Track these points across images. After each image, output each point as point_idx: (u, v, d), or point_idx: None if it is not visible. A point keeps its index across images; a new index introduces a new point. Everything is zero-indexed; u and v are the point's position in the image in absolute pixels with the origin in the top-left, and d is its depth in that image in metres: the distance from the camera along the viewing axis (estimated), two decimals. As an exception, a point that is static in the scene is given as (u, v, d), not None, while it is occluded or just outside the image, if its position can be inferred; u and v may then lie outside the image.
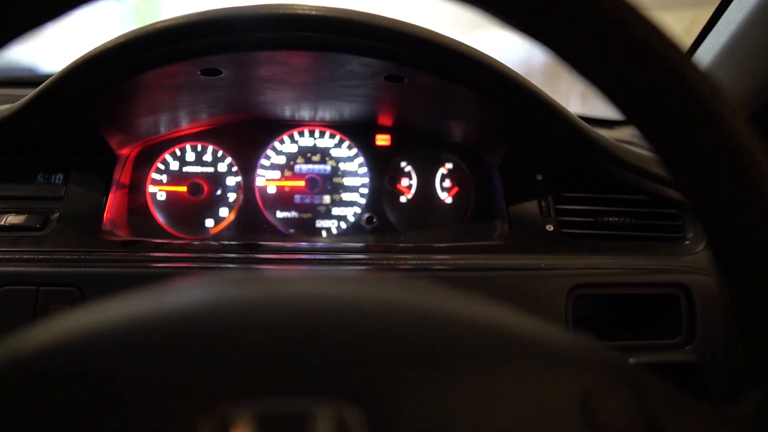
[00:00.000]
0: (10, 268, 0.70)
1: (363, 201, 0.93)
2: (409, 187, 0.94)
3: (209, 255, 0.77)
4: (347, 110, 0.91)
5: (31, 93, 0.71)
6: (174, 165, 0.91)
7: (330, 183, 0.93)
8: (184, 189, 0.90)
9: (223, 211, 0.91)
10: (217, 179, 0.91)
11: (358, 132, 0.94)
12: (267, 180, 0.92)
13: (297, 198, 0.93)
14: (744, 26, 0.81)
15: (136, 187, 0.89)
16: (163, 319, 0.26)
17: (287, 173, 0.93)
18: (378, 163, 0.94)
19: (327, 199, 0.93)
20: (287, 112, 0.91)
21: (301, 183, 0.93)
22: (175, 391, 0.23)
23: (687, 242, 0.82)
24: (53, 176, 0.81)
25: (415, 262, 0.77)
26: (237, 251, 0.79)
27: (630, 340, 0.76)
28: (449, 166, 0.95)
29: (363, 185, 0.94)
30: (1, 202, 0.78)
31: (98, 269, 0.70)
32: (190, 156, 0.91)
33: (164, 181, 0.90)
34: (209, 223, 0.91)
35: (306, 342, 0.25)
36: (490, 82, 0.70)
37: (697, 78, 0.28)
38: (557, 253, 0.80)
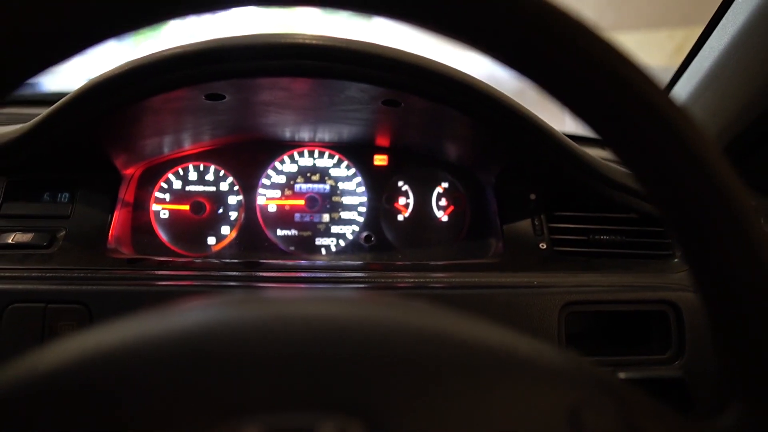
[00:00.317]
0: (19, 286, 0.71)
1: (361, 219, 0.96)
2: (406, 205, 0.97)
3: (212, 273, 0.79)
4: (346, 132, 0.93)
5: (40, 115, 0.74)
6: (177, 184, 0.93)
7: (329, 202, 0.96)
8: (186, 207, 0.93)
9: (225, 229, 0.94)
10: (219, 198, 0.94)
11: (356, 152, 0.96)
12: (268, 199, 0.95)
13: (297, 216, 0.95)
14: (725, 53, 0.84)
15: (140, 206, 0.91)
16: (174, 338, 0.28)
17: (287, 192, 0.95)
18: (376, 183, 0.96)
19: (326, 217, 0.96)
20: (288, 134, 0.94)
21: (301, 202, 0.95)
22: (186, 407, 0.25)
23: (676, 260, 0.85)
24: (59, 195, 0.83)
25: (412, 280, 0.80)
26: (239, 269, 0.81)
27: (621, 356, 0.78)
28: (445, 185, 0.97)
29: (361, 204, 0.96)
30: (8, 221, 0.80)
31: (105, 287, 0.72)
32: (193, 175, 0.94)
33: (167, 199, 0.93)
34: (211, 240, 0.93)
35: (310, 359, 0.27)
36: (482, 106, 0.73)
37: (674, 112, 0.30)
38: (550, 270, 0.83)
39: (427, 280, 0.80)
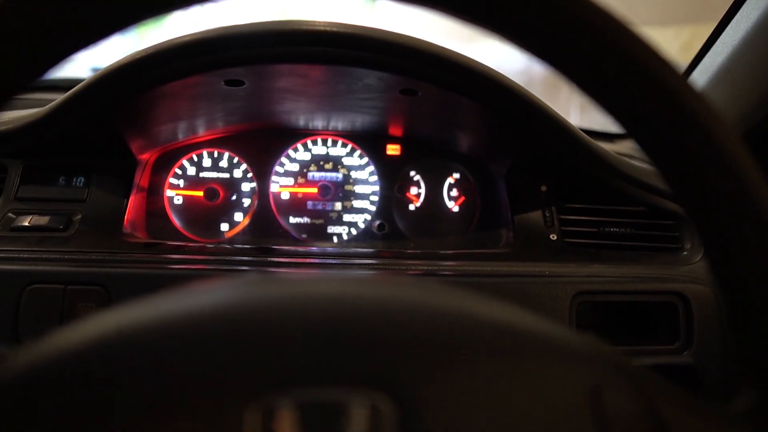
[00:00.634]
0: (38, 267, 0.72)
1: (373, 208, 0.97)
2: (418, 195, 0.97)
3: (225, 258, 0.80)
4: (359, 121, 0.94)
5: (57, 100, 0.74)
6: (191, 170, 0.94)
7: (342, 190, 0.96)
8: (200, 194, 0.93)
9: (238, 216, 0.94)
10: (232, 185, 0.95)
11: (369, 142, 0.97)
12: (281, 186, 0.96)
13: (309, 204, 0.96)
14: (739, 48, 0.85)
15: (155, 191, 0.92)
16: (208, 316, 0.28)
17: (300, 180, 0.96)
18: (388, 172, 0.97)
19: (338, 205, 0.96)
20: (301, 122, 0.94)
21: (314, 190, 0.96)
22: (222, 383, 0.26)
23: (684, 253, 0.86)
24: (75, 179, 0.84)
25: (423, 267, 0.80)
26: (251, 254, 0.82)
27: (630, 345, 0.79)
28: (456, 175, 0.98)
29: (373, 193, 0.97)
30: (24, 204, 0.81)
31: (123, 270, 0.73)
32: (207, 162, 0.94)
33: (181, 185, 0.93)
34: (224, 227, 0.94)
35: (342, 337, 0.28)
36: (497, 96, 0.74)
37: (693, 98, 0.31)
38: (560, 261, 0.83)
39: (438, 268, 0.80)
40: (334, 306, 0.30)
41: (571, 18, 0.30)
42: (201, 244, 0.89)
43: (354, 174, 0.97)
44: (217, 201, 0.94)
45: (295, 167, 0.96)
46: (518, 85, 0.73)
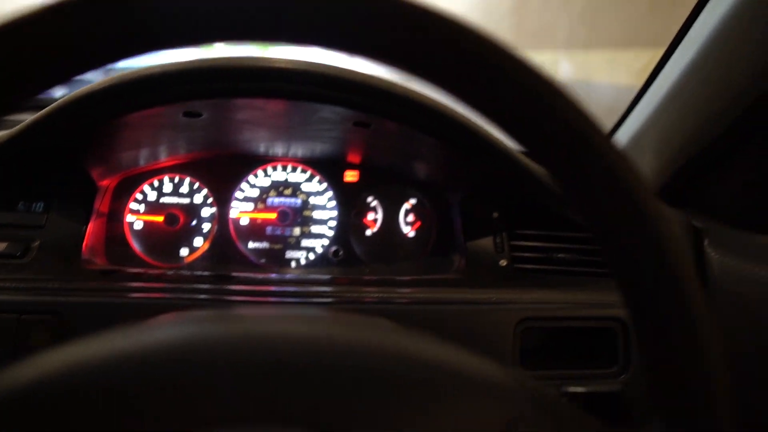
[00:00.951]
0: (-8, 295, 0.73)
1: (331, 233, 0.99)
2: (375, 221, 1.00)
3: (184, 286, 0.81)
4: (318, 148, 0.97)
5: (16, 127, 0.75)
6: (152, 196, 0.95)
7: (300, 216, 0.99)
8: (160, 219, 0.95)
9: (198, 241, 0.96)
10: (192, 210, 0.96)
11: (328, 168, 1.00)
12: (241, 212, 0.98)
13: (269, 230, 0.98)
14: (658, 109, 0.93)
15: (115, 217, 0.93)
16: (137, 357, 0.30)
17: (260, 206, 0.98)
18: (346, 198, 1.00)
19: (297, 231, 0.99)
20: (262, 149, 0.97)
21: (273, 215, 0.98)
22: (155, 422, 0.28)
23: (627, 279, 0.90)
24: (34, 204, 0.84)
25: (378, 295, 0.83)
26: (210, 282, 0.84)
27: (572, 369, 0.83)
28: (413, 201, 1.01)
29: (331, 218, 1.00)
30: (-19, 230, 0.81)
31: (79, 298, 0.74)
32: (168, 187, 0.96)
33: (141, 211, 0.95)
34: (184, 252, 0.95)
35: (269, 374, 0.30)
36: (448, 130, 0.77)
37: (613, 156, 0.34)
38: (509, 287, 0.87)
39: (393, 295, 0.83)
40: (260, 344, 0.32)
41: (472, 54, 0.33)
42: (160, 271, 0.90)
43: (312, 200, 0.99)
44: (177, 226, 0.95)
45: (255, 193, 0.98)
46: (469, 119, 0.77)
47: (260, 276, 0.91)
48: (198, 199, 0.97)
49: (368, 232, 1.00)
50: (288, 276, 0.94)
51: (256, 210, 0.98)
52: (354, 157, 1.00)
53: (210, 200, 0.97)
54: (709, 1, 0.87)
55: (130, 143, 0.87)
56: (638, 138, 1.04)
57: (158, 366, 0.30)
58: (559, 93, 0.33)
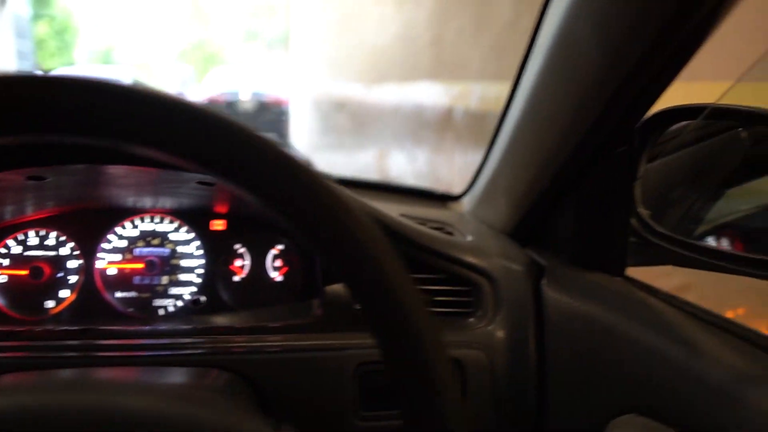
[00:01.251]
0: None
1: (199, 281, 1.03)
2: (243, 267, 1.05)
3: (49, 343, 0.84)
4: (186, 201, 1.01)
5: None
6: (16, 249, 0.97)
7: (168, 265, 1.02)
8: (25, 272, 0.97)
9: (64, 293, 0.98)
10: (58, 262, 0.99)
11: (195, 218, 1.04)
12: (108, 262, 1.00)
13: (136, 279, 1.01)
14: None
15: (-23, 272, 0.95)
16: None
17: (128, 256, 1.01)
18: (213, 246, 1.04)
19: (165, 279, 1.02)
20: (129, 202, 1.00)
21: (141, 265, 1.01)
22: None
23: (471, 319, 0.96)
24: None
25: (246, 344, 0.87)
26: (77, 336, 0.86)
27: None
28: (280, 247, 1.06)
29: (199, 266, 1.03)
30: None
31: None
32: (33, 241, 0.98)
33: (5, 264, 0.97)
34: (50, 303, 0.97)
35: None
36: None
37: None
38: (359, 331, 0.92)
39: (262, 344, 0.88)
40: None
41: None
42: (25, 327, 0.92)
43: (180, 249, 1.03)
44: (42, 279, 0.98)
45: (123, 243, 1.01)
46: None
47: (130, 329, 0.93)
48: (64, 251, 0.99)
49: (236, 278, 1.04)
50: (159, 327, 0.97)
51: (124, 261, 1.01)
52: (221, 208, 1.04)
53: (77, 252, 0.99)
54: (531, 57, 0.95)
55: (-14, 202, 0.89)
56: (494, 180, 1.12)
57: None
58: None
